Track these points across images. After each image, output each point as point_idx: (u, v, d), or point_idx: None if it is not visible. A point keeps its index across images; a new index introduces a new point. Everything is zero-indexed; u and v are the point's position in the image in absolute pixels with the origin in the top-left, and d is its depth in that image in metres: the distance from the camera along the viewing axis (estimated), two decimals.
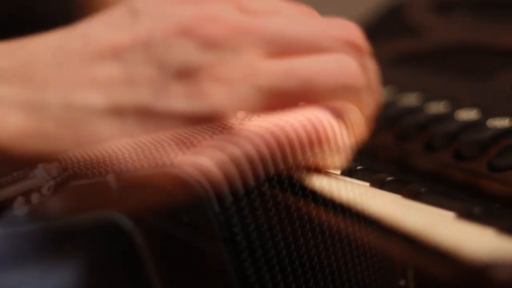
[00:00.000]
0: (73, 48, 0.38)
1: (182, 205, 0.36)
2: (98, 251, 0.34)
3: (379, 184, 0.39)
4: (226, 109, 0.36)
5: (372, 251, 0.35)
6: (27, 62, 0.38)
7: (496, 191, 0.42)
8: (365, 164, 0.41)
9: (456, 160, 0.45)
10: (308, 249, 0.35)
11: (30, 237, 0.35)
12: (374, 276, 0.36)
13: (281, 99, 0.37)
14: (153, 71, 0.37)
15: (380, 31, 0.69)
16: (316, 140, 0.36)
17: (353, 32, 0.41)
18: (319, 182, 0.36)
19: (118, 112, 0.36)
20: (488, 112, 0.48)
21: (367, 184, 0.40)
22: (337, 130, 0.37)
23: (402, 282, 0.34)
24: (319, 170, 0.37)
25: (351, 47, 0.40)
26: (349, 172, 0.40)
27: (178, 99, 0.36)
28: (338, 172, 0.39)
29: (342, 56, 0.39)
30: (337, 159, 0.38)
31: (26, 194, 0.35)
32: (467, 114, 0.49)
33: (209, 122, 0.36)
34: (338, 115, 0.38)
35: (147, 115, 0.36)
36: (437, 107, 0.51)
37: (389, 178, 0.39)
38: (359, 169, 0.40)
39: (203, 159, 0.33)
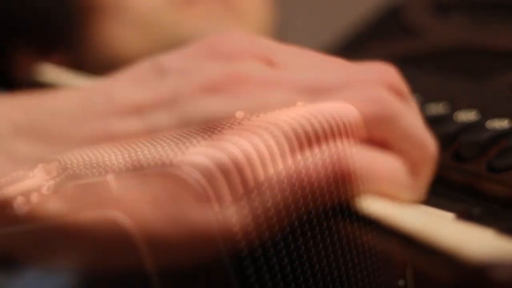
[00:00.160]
0: (94, 107, 0.37)
1: None
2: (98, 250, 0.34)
3: None
4: None
5: (371, 251, 0.35)
6: (46, 119, 0.37)
7: (496, 192, 0.42)
8: None
9: (455, 161, 0.45)
10: (307, 249, 0.35)
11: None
12: (373, 276, 0.36)
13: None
14: (176, 128, 0.36)
15: (378, 32, 0.69)
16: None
17: (389, 74, 0.39)
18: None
19: (137, 169, 0.34)
20: (487, 113, 0.48)
21: None
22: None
23: (401, 283, 0.34)
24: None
25: (389, 89, 0.38)
26: None
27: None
28: None
29: (372, 89, 0.37)
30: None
31: (26, 193, 0.34)
32: (466, 115, 0.49)
33: None
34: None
35: (168, 173, 0.34)
36: (436, 108, 0.51)
37: None
38: None
39: (202, 159, 0.33)
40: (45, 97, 0.38)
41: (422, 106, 0.52)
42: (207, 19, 0.75)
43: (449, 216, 0.37)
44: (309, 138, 0.35)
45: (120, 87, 0.38)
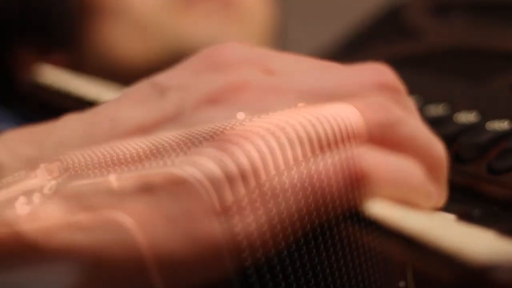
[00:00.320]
0: (100, 133, 0.37)
1: None
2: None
3: None
4: None
5: (372, 253, 0.35)
6: (56, 151, 0.36)
7: (496, 193, 0.42)
8: None
9: (455, 163, 0.45)
10: (308, 250, 0.35)
11: None
12: (373, 278, 0.36)
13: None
14: (182, 142, 0.35)
15: (378, 34, 0.69)
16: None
17: (385, 73, 0.39)
18: None
19: (147, 189, 0.34)
20: (487, 114, 0.48)
21: None
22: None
23: (401, 284, 0.34)
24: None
25: (385, 89, 0.38)
26: None
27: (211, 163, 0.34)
28: None
29: (373, 98, 0.37)
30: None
31: (28, 193, 0.34)
32: (466, 117, 0.49)
33: None
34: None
35: (178, 187, 0.33)
36: (436, 110, 0.51)
37: None
38: None
39: (204, 160, 0.33)
40: (52, 128, 0.38)
41: (422, 107, 0.52)
42: (207, 20, 0.76)
43: (449, 217, 0.37)
44: (320, 142, 0.35)
45: (123, 109, 0.38)
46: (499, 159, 0.43)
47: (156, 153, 0.35)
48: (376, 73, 0.39)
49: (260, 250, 0.33)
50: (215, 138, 0.34)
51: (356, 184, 0.34)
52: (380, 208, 0.33)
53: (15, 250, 0.33)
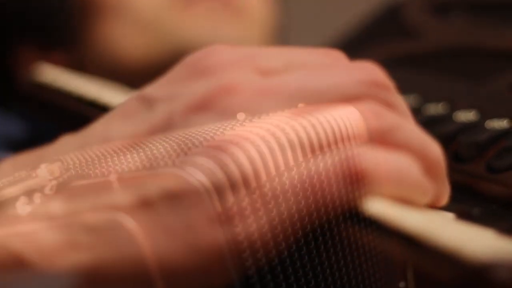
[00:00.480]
0: (94, 151, 0.36)
1: None
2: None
3: None
4: None
5: (372, 253, 0.35)
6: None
7: (495, 192, 0.42)
8: None
9: (454, 162, 0.45)
10: (309, 250, 0.35)
11: None
12: (373, 277, 0.36)
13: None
14: (175, 152, 0.35)
15: (377, 33, 0.69)
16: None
17: (374, 72, 0.39)
18: None
19: (146, 204, 0.33)
20: (486, 113, 0.48)
21: None
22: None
23: (402, 284, 0.34)
24: None
25: (375, 87, 0.38)
26: None
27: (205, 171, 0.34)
28: None
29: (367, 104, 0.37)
30: None
31: (29, 193, 0.35)
32: (466, 116, 0.49)
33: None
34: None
35: (175, 199, 0.33)
36: (435, 109, 0.51)
37: None
38: None
39: (204, 160, 0.33)
40: (46, 152, 0.38)
41: (421, 106, 0.52)
42: (208, 19, 0.75)
43: (449, 216, 0.37)
44: (320, 143, 0.35)
45: (113, 127, 0.38)
46: (498, 158, 0.44)
47: (150, 161, 0.35)
48: (366, 71, 0.39)
49: (261, 251, 0.33)
50: (214, 140, 0.34)
51: (356, 183, 0.34)
52: (380, 208, 0.33)
53: (15, 271, 0.33)
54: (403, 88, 0.56)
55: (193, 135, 0.35)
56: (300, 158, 0.34)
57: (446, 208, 0.38)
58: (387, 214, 0.33)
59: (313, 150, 0.35)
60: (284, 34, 0.86)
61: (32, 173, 0.35)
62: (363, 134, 0.36)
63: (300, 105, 0.37)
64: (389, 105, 0.38)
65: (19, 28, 0.77)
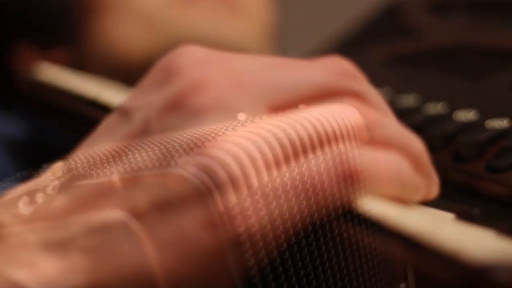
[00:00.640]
0: (79, 171, 0.36)
1: None
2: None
3: None
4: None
5: (372, 254, 0.36)
6: (44, 209, 0.35)
7: (495, 192, 0.42)
8: None
9: (454, 162, 0.45)
10: (310, 251, 0.35)
11: None
12: (374, 278, 0.36)
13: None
14: (156, 157, 0.35)
15: (376, 32, 0.69)
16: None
17: (343, 63, 0.39)
18: None
19: (137, 216, 0.33)
20: (486, 113, 0.48)
21: None
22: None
23: (402, 285, 0.34)
24: None
25: (345, 76, 0.38)
26: None
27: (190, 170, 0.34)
28: None
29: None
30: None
31: (31, 193, 0.35)
32: (465, 115, 0.49)
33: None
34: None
35: (166, 206, 0.33)
36: (435, 108, 0.51)
37: None
38: None
39: (207, 160, 0.33)
40: (40, 181, 0.38)
41: (421, 105, 0.52)
42: (209, 16, 0.75)
43: (448, 216, 0.37)
44: (312, 142, 0.35)
45: (98, 144, 0.38)
46: (498, 158, 0.44)
47: (159, 152, 0.35)
48: (334, 63, 0.39)
49: (261, 252, 0.33)
50: (213, 141, 0.34)
51: (351, 183, 0.34)
52: (379, 209, 0.33)
53: None
54: (403, 87, 0.56)
55: (181, 138, 0.35)
56: (300, 159, 0.34)
57: (446, 208, 0.38)
58: (387, 214, 0.33)
59: (305, 151, 0.35)
60: (283, 33, 0.86)
61: (34, 172, 0.35)
62: (359, 133, 0.36)
63: (301, 105, 0.37)
64: (364, 99, 0.38)
65: (18, 26, 0.77)
